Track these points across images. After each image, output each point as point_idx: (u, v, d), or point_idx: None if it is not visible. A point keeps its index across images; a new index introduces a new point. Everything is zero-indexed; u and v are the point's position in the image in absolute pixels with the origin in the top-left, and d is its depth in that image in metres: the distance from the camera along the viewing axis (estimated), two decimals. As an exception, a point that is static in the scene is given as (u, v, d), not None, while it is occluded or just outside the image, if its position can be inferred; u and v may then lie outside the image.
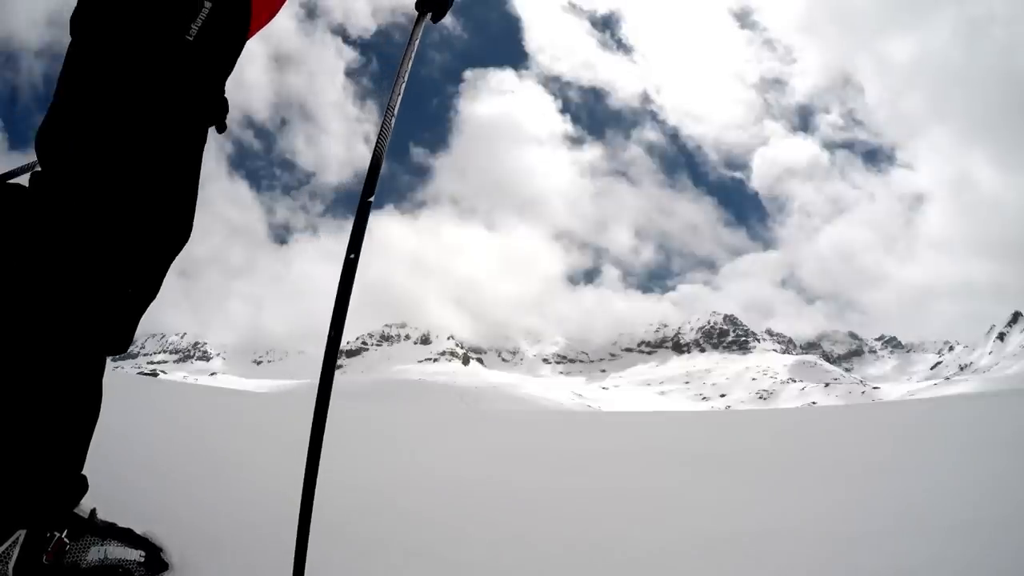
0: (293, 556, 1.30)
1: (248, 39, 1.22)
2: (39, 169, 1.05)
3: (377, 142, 1.28)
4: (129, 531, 1.13)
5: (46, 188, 1.01)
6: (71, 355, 1.01)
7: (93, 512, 1.12)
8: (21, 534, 0.99)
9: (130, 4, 1.03)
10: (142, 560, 1.10)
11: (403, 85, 1.36)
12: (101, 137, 1.00)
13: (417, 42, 1.46)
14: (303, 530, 1.04)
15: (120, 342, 1.05)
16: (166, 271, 1.08)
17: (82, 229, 0.98)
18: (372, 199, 1.20)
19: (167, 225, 1.06)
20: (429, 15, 1.53)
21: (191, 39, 1.04)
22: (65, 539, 1.03)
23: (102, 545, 1.06)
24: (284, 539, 1.44)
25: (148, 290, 1.07)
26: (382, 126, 1.30)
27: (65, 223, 0.98)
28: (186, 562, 1.18)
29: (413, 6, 1.53)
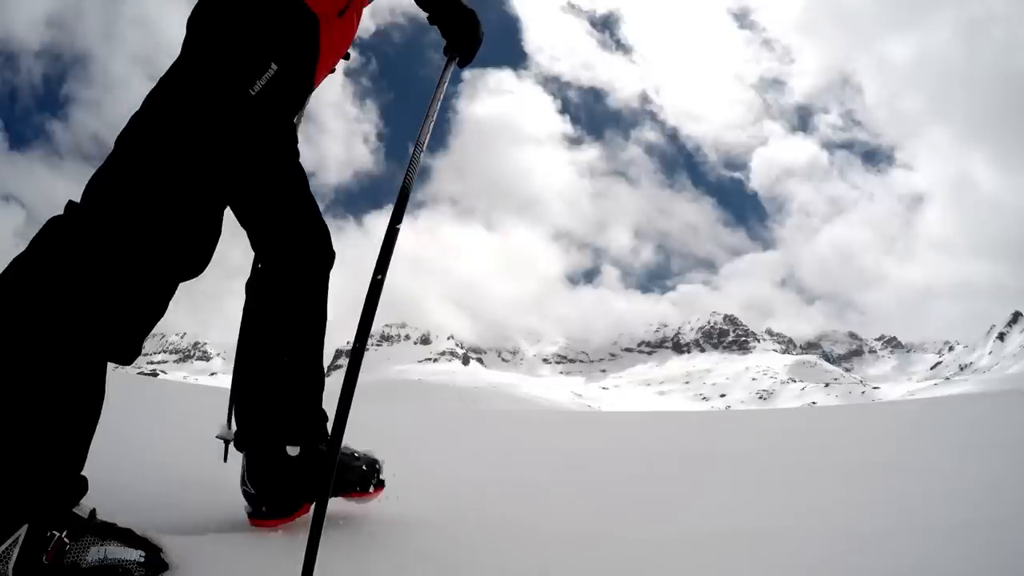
0: (292, 556, 1.31)
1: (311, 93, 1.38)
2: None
3: (406, 174, 1.36)
4: (129, 531, 1.13)
5: (81, 210, 1.09)
6: (77, 362, 1.05)
7: (93, 512, 1.11)
8: (21, 533, 0.99)
9: (208, 59, 1.18)
10: (142, 560, 1.09)
11: (432, 124, 1.46)
12: (145, 171, 1.10)
13: (446, 84, 1.58)
14: (315, 531, 1.04)
15: (127, 354, 1.10)
16: (173, 294, 1.17)
17: (106, 249, 1.06)
18: (400, 226, 1.29)
19: (187, 257, 1.15)
20: (457, 60, 1.64)
21: (254, 93, 1.16)
22: (65, 539, 1.03)
23: (102, 545, 1.06)
24: (284, 539, 1.44)
25: (157, 310, 1.14)
26: (411, 160, 1.38)
27: (92, 242, 1.06)
28: (186, 562, 1.17)
29: (442, 51, 1.64)
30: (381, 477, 1.66)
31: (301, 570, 1.01)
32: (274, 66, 1.18)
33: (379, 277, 1.25)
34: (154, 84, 1.19)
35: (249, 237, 1.54)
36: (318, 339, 1.57)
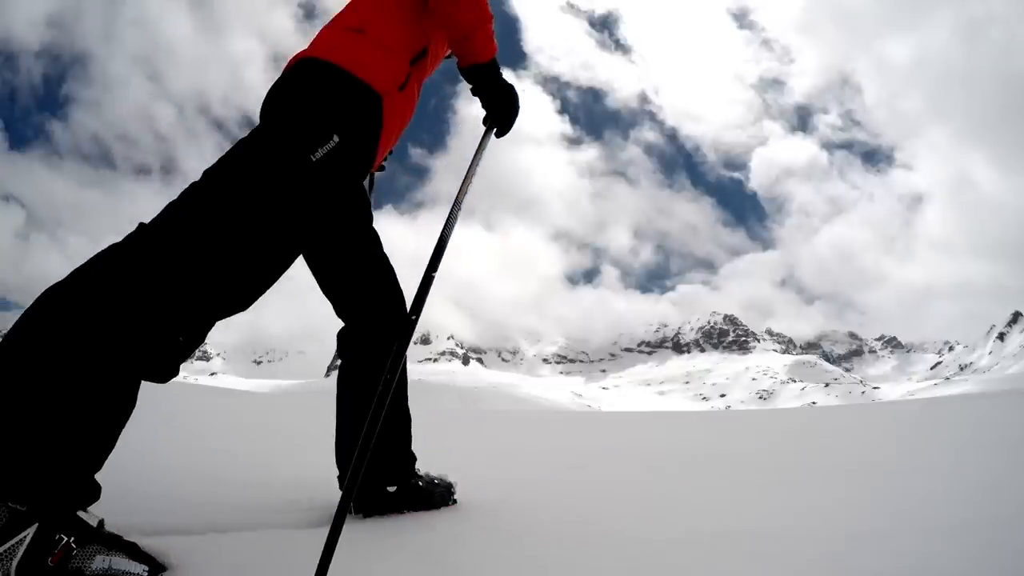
0: (292, 555, 1.31)
1: (375, 168, 1.57)
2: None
3: (444, 228, 1.51)
4: (134, 545, 1.14)
5: (147, 240, 1.20)
6: (114, 377, 1.12)
7: (101, 522, 1.13)
8: (29, 533, 1.00)
9: (276, 128, 1.35)
10: (144, 574, 1.10)
11: (469, 185, 1.63)
12: (212, 216, 1.23)
13: (484, 151, 1.74)
14: (335, 531, 1.05)
15: (164, 376, 1.20)
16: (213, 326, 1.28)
17: (167, 278, 1.17)
18: (435, 274, 1.42)
19: (237, 297, 1.27)
20: (495, 129, 1.78)
21: (314, 160, 1.31)
22: (72, 544, 1.04)
23: (107, 555, 1.07)
24: (285, 539, 1.44)
25: (199, 338, 1.24)
26: (450, 216, 1.54)
27: (156, 269, 1.17)
28: (186, 562, 1.18)
29: (481, 121, 1.77)
30: (455, 497, 1.90)
31: (315, 572, 1.02)
32: (336, 138, 1.34)
33: (413, 317, 1.37)
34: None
35: (331, 303, 1.72)
36: (402, 392, 1.76)
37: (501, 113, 1.75)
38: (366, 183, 1.75)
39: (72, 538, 1.04)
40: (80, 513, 1.11)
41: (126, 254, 1.18)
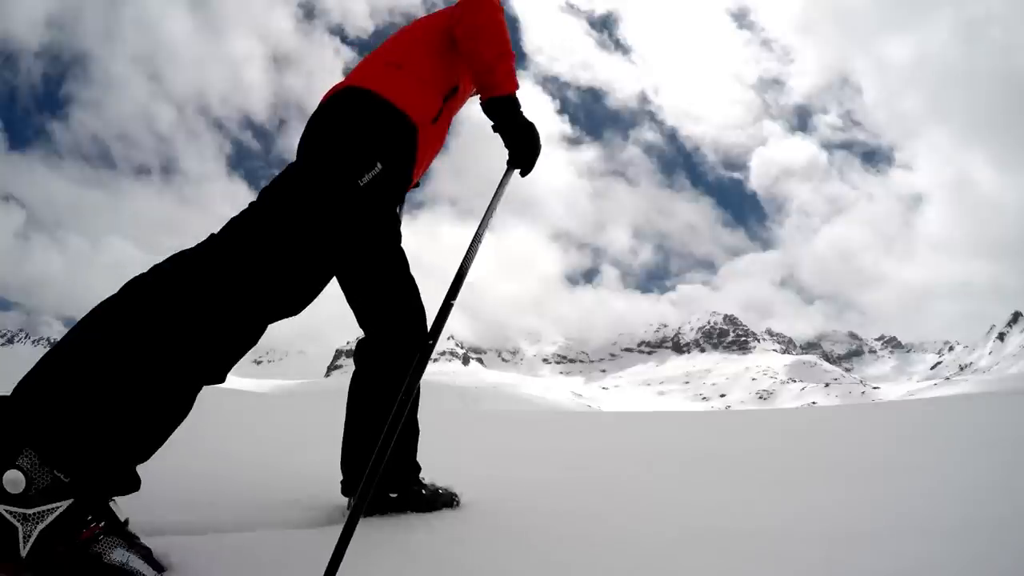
0: (291, 555, 1.31)
1: (409, 190, 1.68)
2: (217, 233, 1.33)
3: (464, 258, 1.59)
4: (149, 550, 1.16)
5: (216, 250, 1.28)
6: (179, 383, 1.19)
7: (127, 521, 1.16)
8: (62, 506, 1.03)
9: (326, 156, 1.44)
10: None
11: (489, 220, 1.70)
12: (272, 231, 1.31)
13: (505, 189, 1.78)
14: (342, 543, 1.07)
15: (220, 379, 1.28)
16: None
17: (229, 289, 1.24)
18: (454, 301, 1.49)
19: (290, 305, 1.35)
20: (519, 171, 1.83)
21: (361, 184, 1.41)
22: (100, 529, 1.07)
23: (127, 551, 1.09)
24: (285, 539, 1.45)
25: (252, 343, 1.31)
26: (469, 248, 1.61)
27: (219, 280, 1.24)
28: (186, 562, 1.18)
29: (505, 162, 1.81)
30: (458, 503, 1.96)
31: (324, 571, 1.03)
32: (379, 165, 1.44)
33: (430, 342, 1.45)
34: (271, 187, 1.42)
35: (355, 315, 1.80)
36: (414, 406, 1.81)
37: (523, 152, 1.78)
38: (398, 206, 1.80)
39: (101, 523, 1.08)
40: (112, 505, 1.14)
41: (198, 262, 1.25)
